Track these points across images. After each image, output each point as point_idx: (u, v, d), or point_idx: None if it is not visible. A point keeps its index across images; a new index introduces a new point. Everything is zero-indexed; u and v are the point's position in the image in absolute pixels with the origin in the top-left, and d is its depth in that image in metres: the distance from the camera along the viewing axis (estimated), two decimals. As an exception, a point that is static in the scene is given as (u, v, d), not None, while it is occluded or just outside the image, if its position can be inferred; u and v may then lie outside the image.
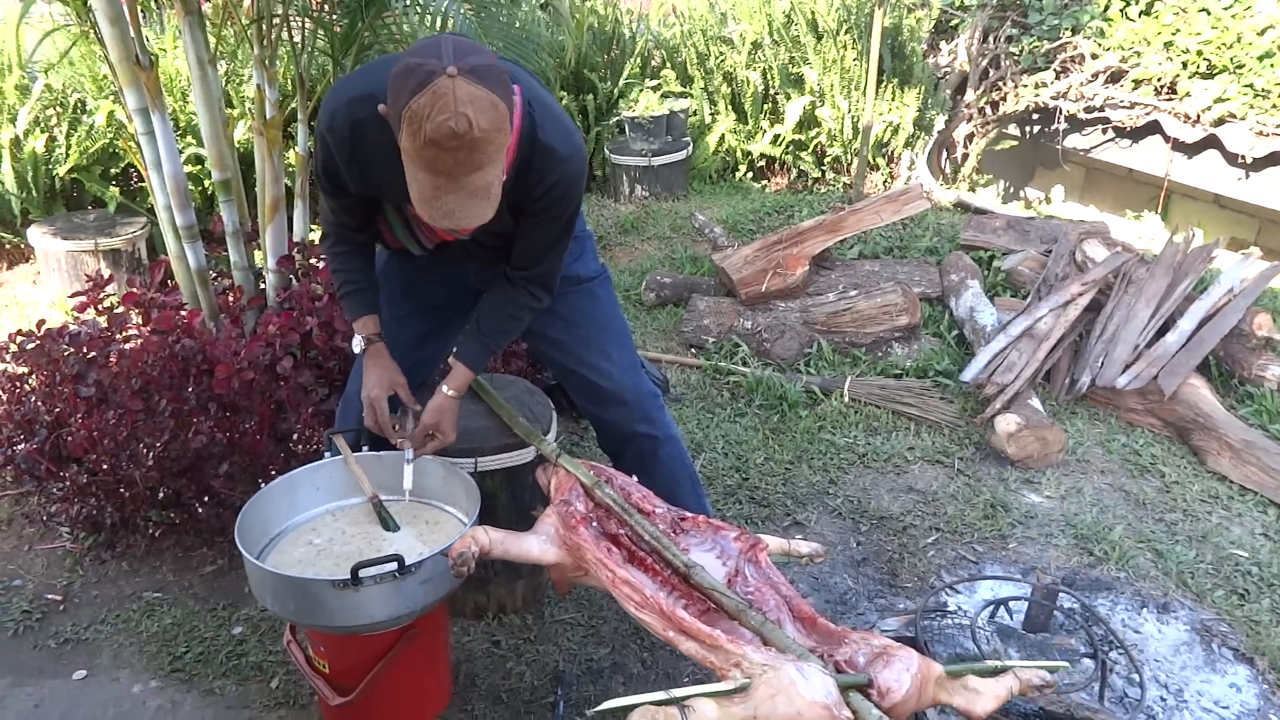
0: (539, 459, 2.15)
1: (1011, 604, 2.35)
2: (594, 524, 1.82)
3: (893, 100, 5.75)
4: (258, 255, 3.06)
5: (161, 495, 2.52)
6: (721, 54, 6.04)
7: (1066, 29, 5.58)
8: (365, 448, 2.13)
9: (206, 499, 2.53)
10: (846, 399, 3.55)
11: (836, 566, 2.70)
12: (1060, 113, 5.41)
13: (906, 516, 2.93)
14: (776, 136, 5.92)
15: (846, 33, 5.71)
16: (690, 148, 5.75)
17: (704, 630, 1.43)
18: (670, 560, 1.69)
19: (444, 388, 2.03)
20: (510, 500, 2.27)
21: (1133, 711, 2.09)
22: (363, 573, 1.65)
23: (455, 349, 2.06)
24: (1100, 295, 3.86)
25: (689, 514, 1.87)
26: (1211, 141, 4.99)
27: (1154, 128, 5.24)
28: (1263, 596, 2.64)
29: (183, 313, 2.76)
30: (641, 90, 5.76)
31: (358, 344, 2.05)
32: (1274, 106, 4.72)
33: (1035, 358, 3.52)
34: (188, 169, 4.15)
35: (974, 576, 2.57)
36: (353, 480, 2.09)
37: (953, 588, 2.42)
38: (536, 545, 1.71)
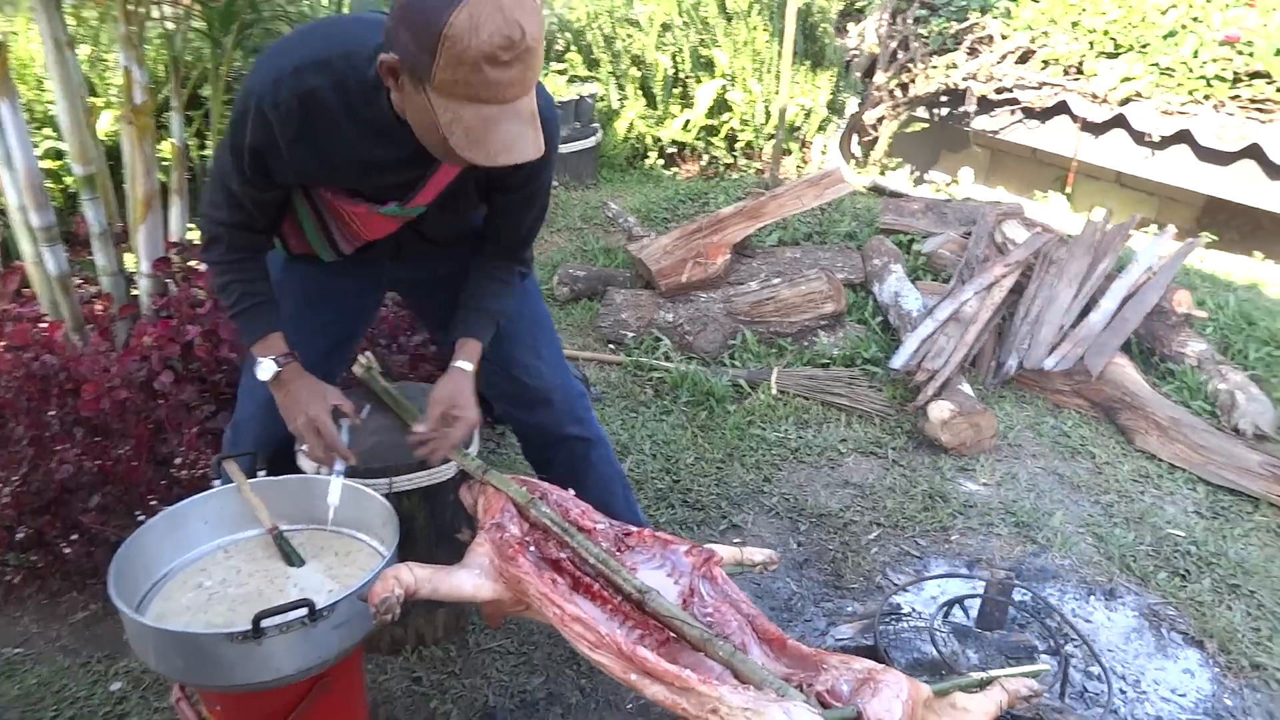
0: (461, 475, 1.97)
1: (966, 601, 2.29)
2: (532, 549, 1.65)
3: (805, 83, 5.70)
4: (129, 259, 2.78)
5: (20, 536, 2.24)
6: (629, 36, 5.89)
7: (975, 9, 5.63)
8: (262, 472, 1.92)
9: (75, 536, 2.26)
10: (775, 391, 3.46)
11: (779, 570, 2.60)
12: (971, 94, 5.45)
13: (846, 512, 2.85)
14: (687, 122, 5.81)
15: (758, 14, 5.64)
16: (599, 134, 5.60)
17: (671, 671, 1.29)
18: (621, 586, 1.54)
19: (458, 363, 1.88)
20: (429, 522, 2.09)
21: (1098, 707, 2.04)
22: (265, 622, 1.45)
23: (457, 326, 1.92)
24: (1022, 277, 3.86)
25: (633, 528, 1.73)
26: (1119, 121, 5.09)
27: (1062, 108, 5.32)
28: (1203, 576, 2.65)
29: (41, 325, 2.47)
30: (546, 75, 5.57)
31: (267, 369, 1.78)
32: (1179, 85, 4.83)
33: (964, 342, 3.49)
34: (46, 164, 3.78)
35: (923, 576, 2.50)
36: (248, 510, 1.87)
37: (904, 589, 2.34)
38: (470, 581, 1.54)
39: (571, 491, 1.81)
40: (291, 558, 1.81)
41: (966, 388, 3.34)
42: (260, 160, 1.62)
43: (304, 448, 1.86)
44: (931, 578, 2.36)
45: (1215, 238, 5.09)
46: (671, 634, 1.50)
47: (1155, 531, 2.82)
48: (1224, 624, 2.45)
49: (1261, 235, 5.20)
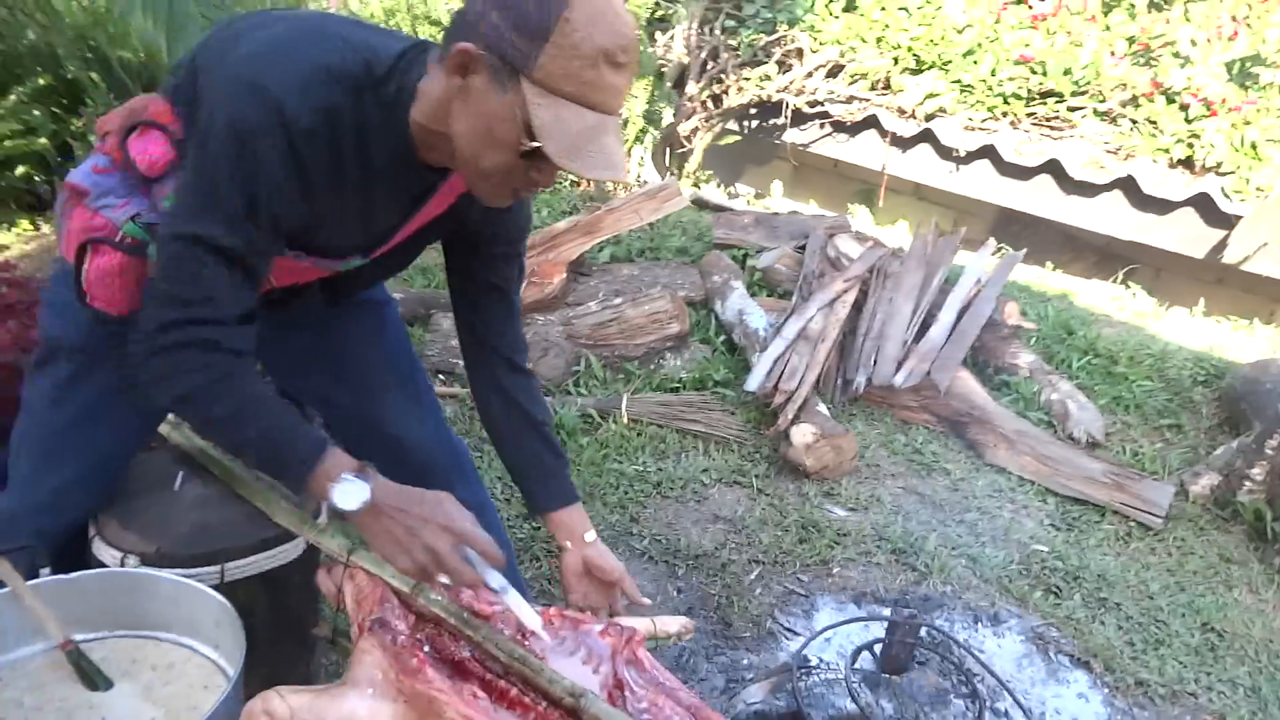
0: (312, 554, 1.63)
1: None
2: (426, 649, 1.35)
3: (618, 92, 5.56)
4: None
5: None
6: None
7: (782, 22, 5.70)
8: (45, 571, 1.50)
9: None
10: (626, 421, 3.25)
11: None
12: (786, 106, 5.50)
13: (721, 551, 2.69)
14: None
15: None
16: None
17: None
18: (548, 690, 1.27)
19: (588, 537, 1.69)
20: (269, 612, 1.71)
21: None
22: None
23: (550, 498, 1.70)
24: (859, 293, 3.87)
25: (534, 606, 1.46)
26: (925, 136, 5.29)
27: (872, 122, 5.47)
28: (1073, 592, 2.68)
29: None
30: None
31: (353, 493, 1.28)
32: (979, 102, 5.07)
33: (815, 360, 3.43)
34: None
35: (835, 623, 2.37)
36: (28, 620, 1.45)
37: (793, 634, 2.19)
38: (363, 706, 1.22)
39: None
40: (94, 679, 1.42)
41: (823, 408, 3.28)
42: (254, 203, 1.22)
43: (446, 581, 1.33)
44: (841, 624, 2.23)
45: (1008, 249, 5.39)
46: (617, 751, 1.25)
47: (1022, 549, 2.84)
48: (1102, 641, 2.47)
49: (1050, 247, 5.56)
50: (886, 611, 2.30)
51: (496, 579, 1.32)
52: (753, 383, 3.35)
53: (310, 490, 1.29)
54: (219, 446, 1.51)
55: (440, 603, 1.40)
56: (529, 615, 1.34)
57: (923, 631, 2.22)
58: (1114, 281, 4.69)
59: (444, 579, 1.29)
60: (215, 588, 1.51)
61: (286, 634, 1.74)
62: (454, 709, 1.18)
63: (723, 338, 3.81)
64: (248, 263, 1.25)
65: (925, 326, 3.72)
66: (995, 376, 3.72)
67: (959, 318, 3.74)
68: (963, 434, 3.41)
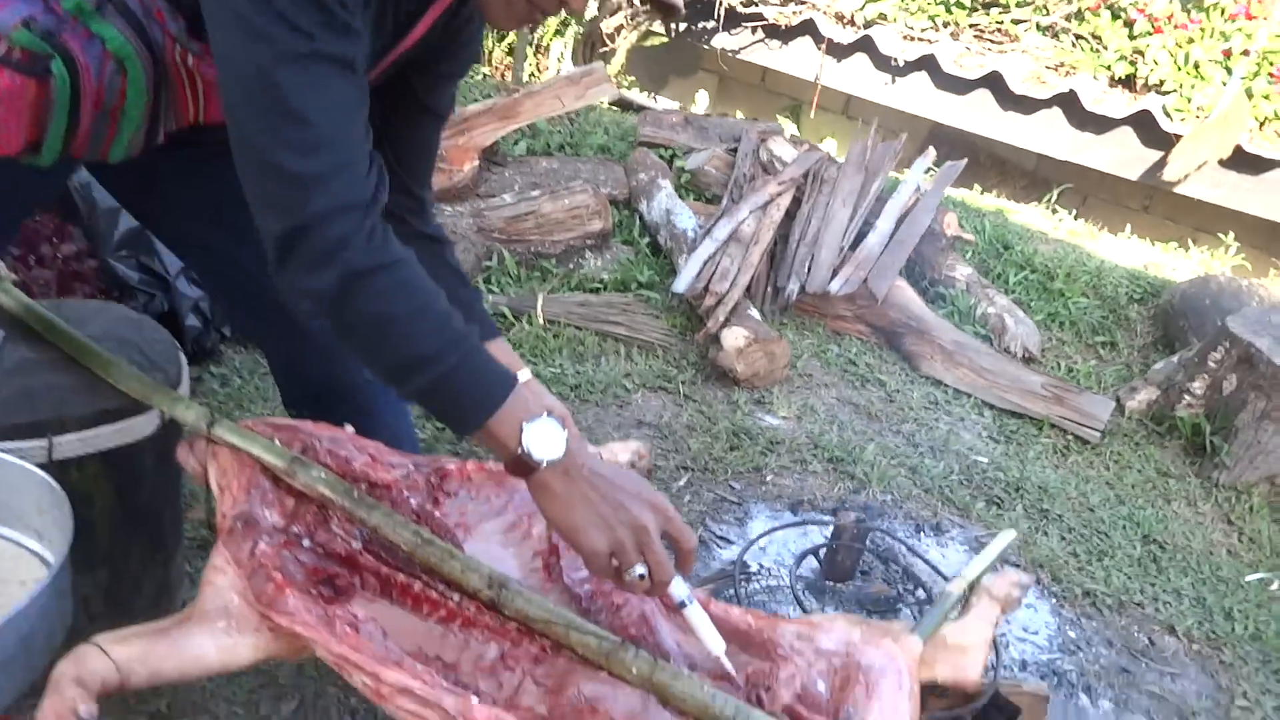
0: (172, 429, 1.36)
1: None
2: (305, 541, 1.11)
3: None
4: None
5: None
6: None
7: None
8: None
9: None
10: (543, 321, 3.01)
11: (583, 531, 2.18)
12: (720, 4, 5.22)
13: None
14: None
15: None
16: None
17: None
18: (462, 582, 1.04)
19: (522, 376, 1.22)
20: (115, 502, 1.44)
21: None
22: None
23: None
24: (792, 202, 3.68)
25: (449, 464, 1.23)
26: (864, 44, 5.10)
27: (808, 27, 5.24)
28: (1015, 503, 2.58)
29: None
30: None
31: (551, 439, 0.98)
32: (920, 10, 4.89)
33: (748, 263, 3.23)
34: None
35: (775, 527, 2.20)
36: None
37: (726, 542, 2.02)
38: (213, 644, 0.97)
39: (349, 428, 1.27)
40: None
41: (754, 313, 3.09)
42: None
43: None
44: (782, 527, 2.05)
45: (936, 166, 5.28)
46: (546, 644, 1.03)
47: (962, 460, 2.72)
48: (1047, 552, 2.37)
49: (978, 170, 5.46)
50: (829, 518, 2.14)
51: (681, 587, 1.02)
52: (681, 284, 3.13)
53: (491, 431, 0.97)
54: (374, 359, 1.04)
55: (324, 479, 1.15)
56: (712, 637, 1.01)
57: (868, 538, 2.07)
58: (1045, 203, 4.60)
59: (639, 571, 0.98)
60: (42, 467, 1.23)
61: (137, 531, 1.47)
62: (323, 648, 0.94)
63: (647, 239, 3.58)
64: (353, 87, 0.97)
65: (861, 235, 3.55)
66: (931, 289, 3.59)
67: (897, 226, 3.58)
68: (898, 345, 3.27)
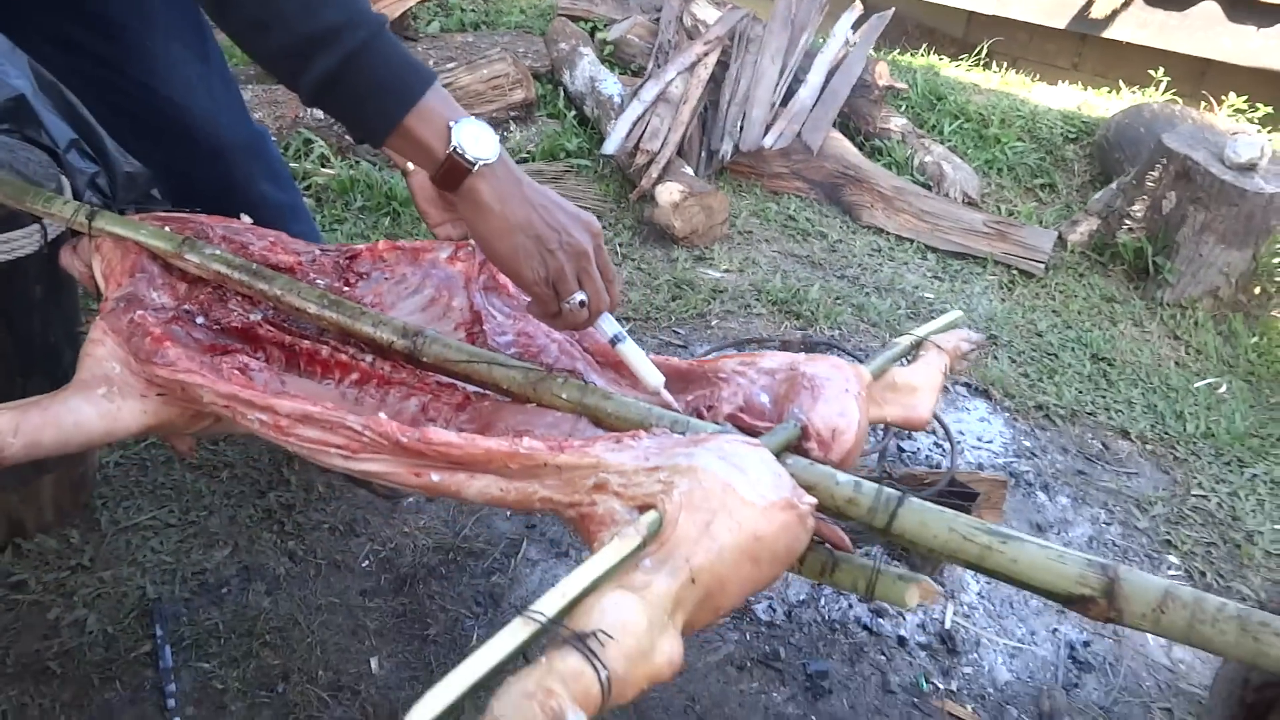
0: (58, 237, 1.25)
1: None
2: (199, 320, 1.02)
3: None
4: None
5: None
6: None
7: None
8: None
9: None
10: (469, 193, 2.89)
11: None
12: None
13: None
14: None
15: None
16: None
17: (500, 448, 0.75)
18: (372, 335, 0.96)
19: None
20: (7, 335, 1.33)
21: (949, 460, 1.81)
22: None
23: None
24: (718, 65, 3.57)
25: (359, 246, 1.15)
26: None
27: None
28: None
29: None
30: None
31: (483, 140, 0.86)
32: None
33: (678, 121, 3.13)
34: None
35: (713, 349, 2.15)
36: None
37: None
38: (93, 411, 0.90)
39: (245, 219, 1.17)
40: None
41: (689, 170, 3.00)
42: None
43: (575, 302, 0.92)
44: (721, 347, 2.00)
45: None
46: (469, 392, 0.96)
47: (907, 296, 2.69)
48: (998, 373, 2.35)
49: (905, 39, 5.38)
50: (774, 341, 2.10)
51: (612, 323, 0.94)
52: (610, 145, 3.03)
53: (411, 130, 0.85)
54: (265, 38, 0.86)
55: (218, 255, 1.05)
56: (650, 371, 0.94)
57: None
58: (975, 58, 4.54)
59: (578, 298, 0.89)
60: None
61: (32, 367, 1.36)
62: (210, 391, 0.85)
63: (574, 112, 3.45)
64: None
65: (792, 91, 3.47)
66: (867, 143, 3.52)
67: (828, 79, 3.50)
68: (837, 197, 3.21)
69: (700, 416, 0.90)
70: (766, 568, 0.69)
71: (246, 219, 1.20)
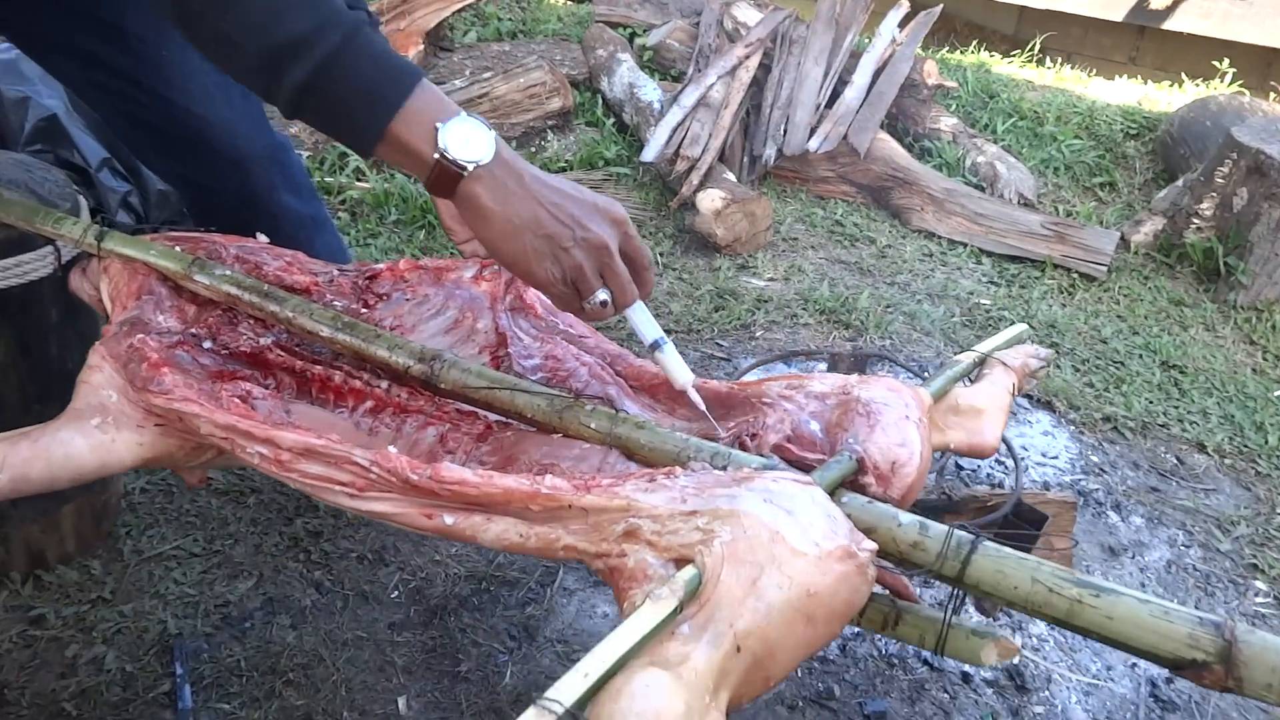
0: (73, 259, 1.20)
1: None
2: (207, 344, 0.96)
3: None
4: None
5: None
6: None
7: None
8: None
9: None
10: (506, 204, 2.82)
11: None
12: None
13: (624, 322, 2.33)
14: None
15: None
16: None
17: (520, 488, 0.67)
18: (387, 360, 0.89)
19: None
20: (21, 358, 1.28)
21: (1000, 480, 1.70)
22: None
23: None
24: (760, 68, 3.47)
25: (379, 265, 1.08)
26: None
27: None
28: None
29: None
30: None
31: (478, 135, 0.80)
32: None
33: (720, 126, 3.05)
34: None
35: (759, 362, 2.05)
36: None
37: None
38: (86, 442, 0.84)
39: (262, 237, 1.11)
40: None
41: (730, 176, 2.92)
42: None
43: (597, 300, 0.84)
44: (770, 360, 1.91)
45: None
46: (491, 420, 0.88)
47: (961, 303, 2.57)
48: (1061, 384, 2.23)
49: (953, 38, 5.24)
50: (823, 355, 2.00)
51: (651, 325, 0.88)
52: (650, 152, 2.95)
53: (397, 136, 0.78)
54: (232, 50, 0.81)
55: (228, 276, 0.99)
56: (680, 369, 0.87)
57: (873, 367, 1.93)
58: (1028, 53, 4.39)
59: (601, 297, 0.82)
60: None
61: (49, 392, 1.31)
62: (208, 421, 0.79)
63: (612, 120, 3.38)
64: None
65: (837, 93, 3.36)
66: (916, 144, 3.40)
67: (874, 79, 3.39)
68: (886, 201, 3.10)
69: (743, 447, 0.81)
70: (823, 627, 0.60)
71: (263, 238, 1.14)
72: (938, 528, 0.69)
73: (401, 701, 1.34)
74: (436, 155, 0.77)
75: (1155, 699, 1.44)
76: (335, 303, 1.03)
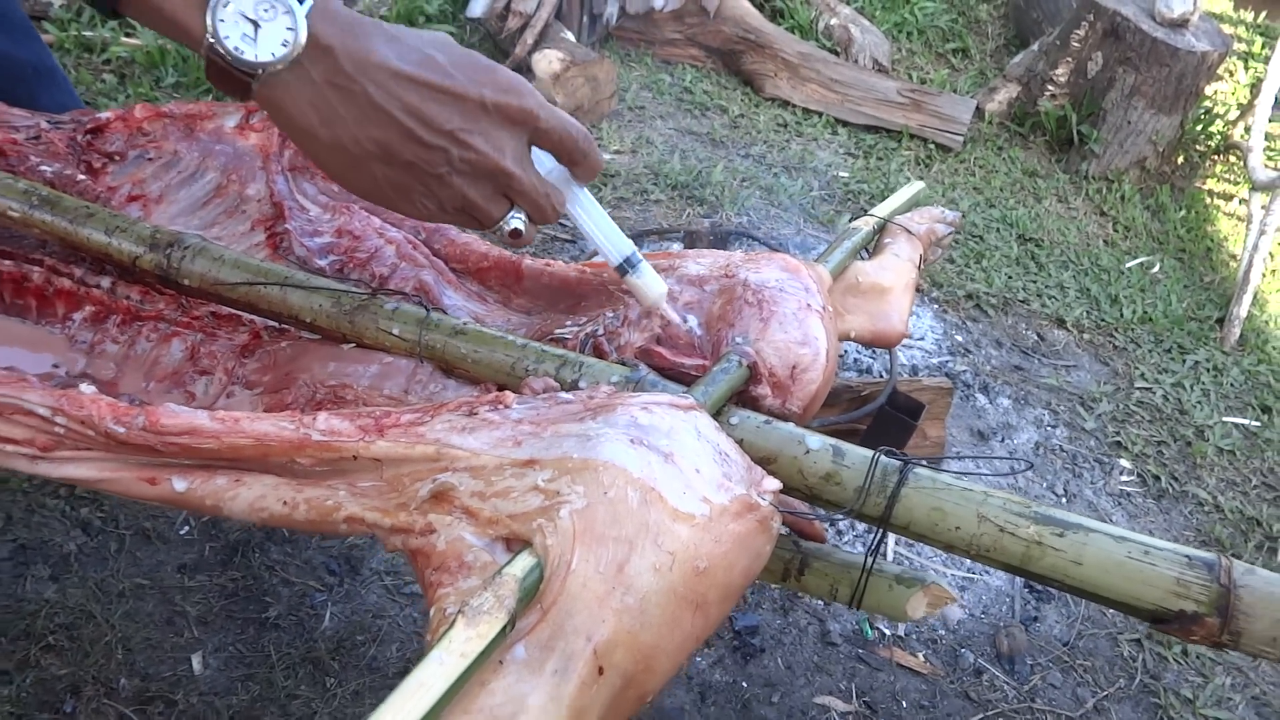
0: None
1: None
2: None
3: None
4: None
5: None
6: None
7: None
8: None
9: None
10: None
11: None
12: None
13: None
14: None
15: None
16: None
17: (282, 433, 0.47)
18: (106, 247, 0.66)
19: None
20: None
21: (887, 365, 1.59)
22: None
23: None
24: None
25: (103, 114, 0.82)
26: None
27: None
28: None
29: None
30: None
31: (275, 22, 0.50)
32: None
33: (555, -20, 2.76)
34: None
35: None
36: None
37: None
38: None
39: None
40: None
41: (569, 36, 2.66)
42: None
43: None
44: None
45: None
46: (259, 327, 0.67)
47: (819, 176, 2.45)
48: (922, 258, 2.15)
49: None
50: (678, 232, 1.83)
51: (622, 241, 0.63)
52: (477, 7, 2.65)
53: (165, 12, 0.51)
54: None
55: None
56: (650, 280, 0.63)
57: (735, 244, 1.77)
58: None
59: (512, 224, 0.60)
60: None
61: None
62: None
63: (434, -27, 3.03)
64: None
65: (684, -55, 3.11)
66: (768, 3, 3.21)
67: (723, -69, 3.16)
68: (737, 67, 2.92)
69: (599, 352, 0.63)
70: (716, 610, 0.44)
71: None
72: (857, 453, 0.53)
73: (196, 659, 1.13)
74: (210, 40, 0.52)
75: (1030, 589, 1.40)
76: (43, 168, 0.77)
